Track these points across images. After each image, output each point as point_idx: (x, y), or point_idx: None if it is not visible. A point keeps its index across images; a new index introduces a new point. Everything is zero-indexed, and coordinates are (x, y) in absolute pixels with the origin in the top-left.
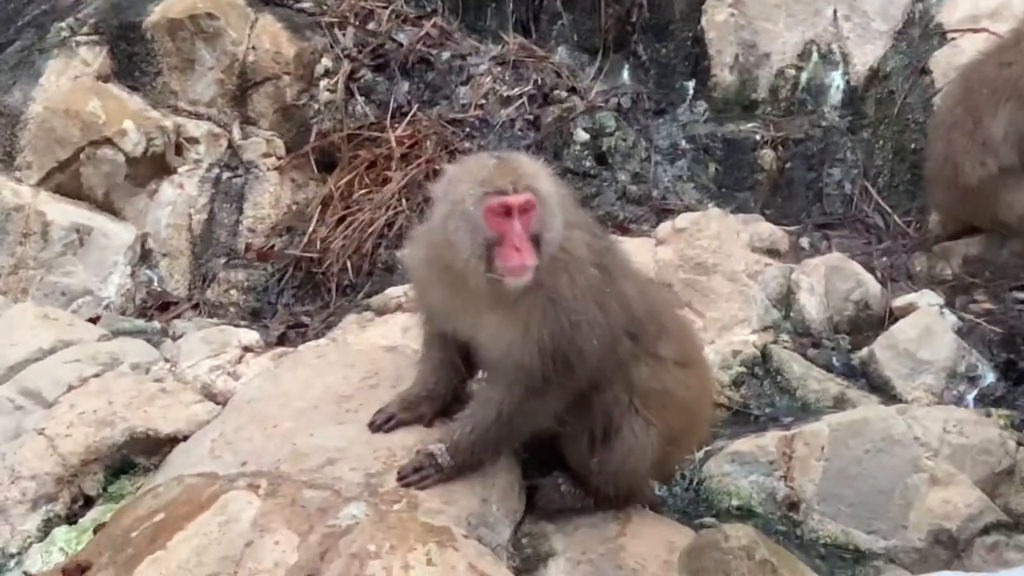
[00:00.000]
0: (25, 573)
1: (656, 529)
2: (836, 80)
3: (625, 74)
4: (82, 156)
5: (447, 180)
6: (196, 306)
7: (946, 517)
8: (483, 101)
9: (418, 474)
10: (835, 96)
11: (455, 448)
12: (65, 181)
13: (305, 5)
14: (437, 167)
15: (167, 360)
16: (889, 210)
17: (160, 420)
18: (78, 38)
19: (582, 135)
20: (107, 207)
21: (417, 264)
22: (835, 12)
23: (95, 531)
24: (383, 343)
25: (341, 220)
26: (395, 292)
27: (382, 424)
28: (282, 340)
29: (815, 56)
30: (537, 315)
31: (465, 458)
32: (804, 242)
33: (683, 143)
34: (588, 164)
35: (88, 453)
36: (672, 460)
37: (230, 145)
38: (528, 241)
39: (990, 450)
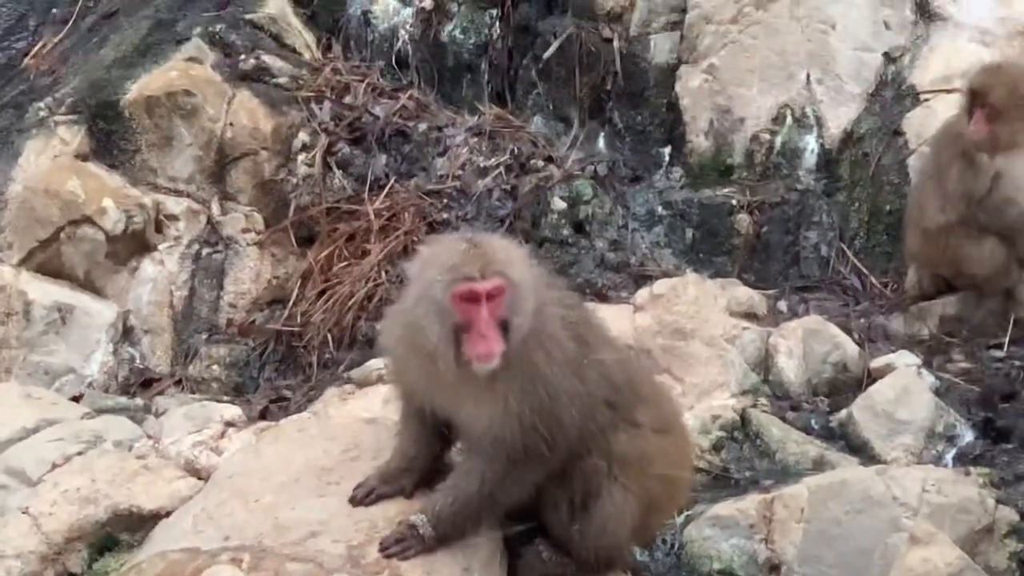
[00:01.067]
0: None
1: None
2: (811, 143)
3: (601, 142)
4: (63, 235)
5: (419, 262)
6: (179, 382)
7: None
8: (460, 172)
9: (400, 545)
10: (810, 159)
11: (437, 519)
12: (46, 260)
13: (281, 80)
14: (416, 238)
15: (150, 437)
16: (866, 272)
17: (143, 497)
18: (56, 118)
19: (559, 203)
20: (89, 285)
21: (393, 343)
22: (808, 75)
23: None
24: (364, 415)
25: (321, 293)
26: (376, 364)
27: (363, 498)
28: (264, 414)
29: (789, 120)
30: (516, 392)
31: (447, 529)
32: (782, 305)
33: (660, 209)
34: (566, 232)
35: (72, 531)
36: (652, 525)
37: (209, 221)
38: (496, 327)
39: (969, 508)
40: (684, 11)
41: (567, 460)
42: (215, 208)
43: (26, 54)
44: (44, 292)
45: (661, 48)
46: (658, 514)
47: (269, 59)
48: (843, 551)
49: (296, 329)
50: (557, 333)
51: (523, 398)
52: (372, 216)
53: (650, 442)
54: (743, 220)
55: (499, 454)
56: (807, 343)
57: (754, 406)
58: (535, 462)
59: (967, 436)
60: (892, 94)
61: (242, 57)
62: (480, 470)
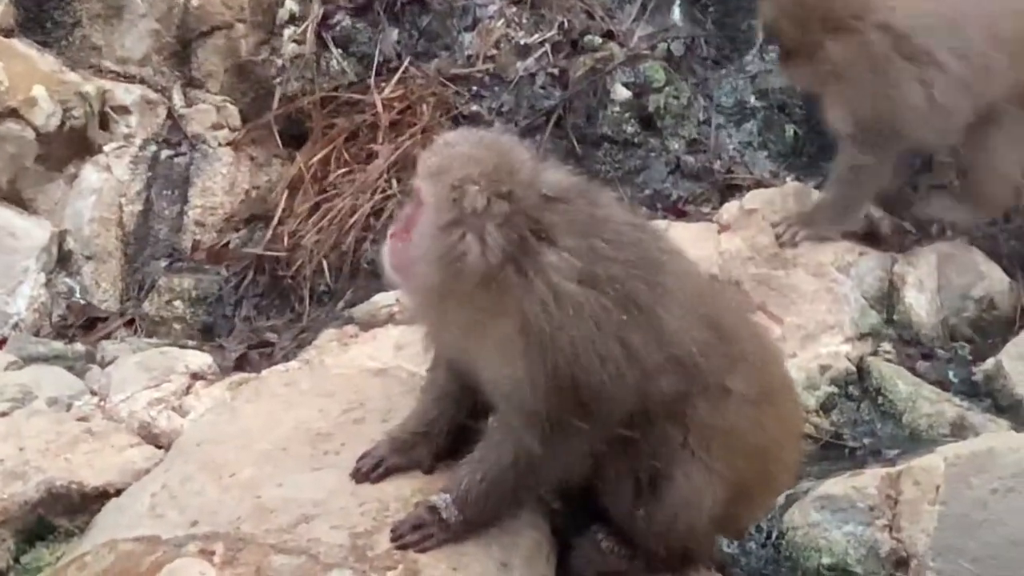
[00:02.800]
0: None
1: None
2: None
3: (676, 13)
4: None
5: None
6: (131, 323)
7: None
8: (494, 51)
9: (418, 532)
10: None
11: (463, 500)
12: None
13: None
14: (436, 137)
15: (94, 393)
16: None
17: (86, 470)
18: None
19: (622, 92)
20: (13, 198)
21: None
22: None
23: None
24: (370, 365)
25: (315, 208)
26: (384, 300)
27: (370, 471)
28: (241, 364)
29: None
30: (519, 349)
31: (476, 512)
32: (910, 224)
33: (752, 100)
34: (630, 129)
35: None
36: (743, 515)
37: (170, 115)
38: (408, 235)
39: None
40: None
41: (631, 427)
42: (177, 98)
43: None
44: None
45: None
46: (750, 501)
47: None
48: (991, 541)
49: (282, 254)
50: (563, 280)
51: (529, 360)
52: (380, 108)
53: (743, 413)
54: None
55: (533, 420)
56: (943, 272)
57: (875, 353)
58: (579, 433)
59: None
60: None
61: None
62: (514, 439)
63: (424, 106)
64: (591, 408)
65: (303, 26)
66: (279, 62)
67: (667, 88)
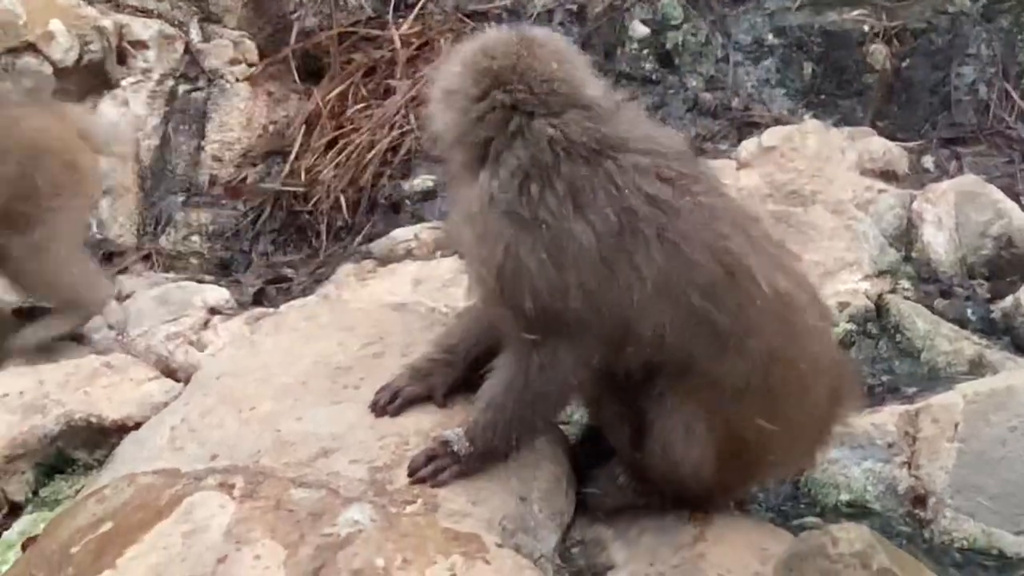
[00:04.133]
0: None
1: (744, 533)
2: None
3: None
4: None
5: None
6: (147, 257)
7: None
8: None
9: (432, 464)
10: None
11: (472, 431)
12: None
13: None
14: None
15: (111, 327)
16: None
17: (105, 403)
18: None
19: (640, 29)
20: None
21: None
22: None
23: (24, 547)
24: (389, 300)
25: (332, 144)
26: (403, 235)
27: (387, 403)
28: (259, 299)
29: None
30: (472, 247)
31: (485, 443)
32: (928, 162)
33: (770, 37)
34: (648, 66)
35: (13, 448)
36: (753, 474)
37: (187, 50)
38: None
39: None
40: None
41: (617, 370)
42: (195, 33)
43: None
44: None
45: None
46: (759, 459)
47: None
48: (1009, 479)
49: (300, 189)
50: (522, 174)
51: (479, 254)
52: (398, 44)
53: (742, 372)
54: (878, 52)
55: (515, 338)
56: (961, 210)
57: (893, 291)
58: (563, 355)
59: None
60: None
61: None
62: (511, 366)
63: (442, 42)
64: (561, 330)
65: None
66: None
67: (685, 25)
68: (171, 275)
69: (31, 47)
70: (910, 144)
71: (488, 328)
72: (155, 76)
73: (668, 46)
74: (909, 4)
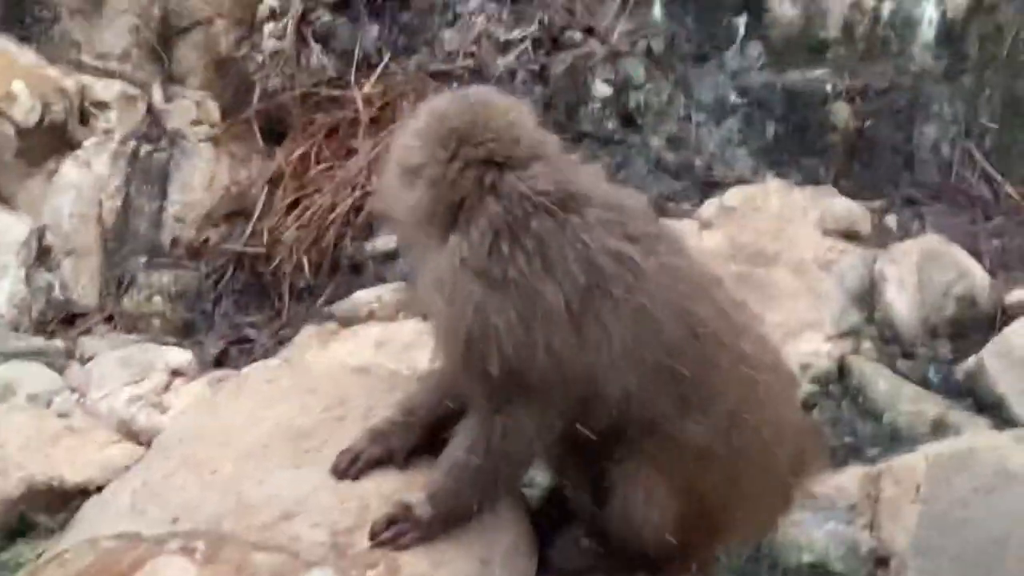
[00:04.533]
0: None
1: None
2: (928, 12)
3: (657, 9)
4: None
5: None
6: (110, 319)
7: None
8: (474, 48)
9: (393, 528)
10: (927, 33)
11: (434, 496)
12: None
13: None
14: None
15: (74, 390)
16: (999, 178)
17: (66, 467)
18: None
19: (603, 89)
20: None
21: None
22: None
23: None
24: (351, 362)
25: (294, 205)
26: (365, 297)
27: (348, 466)
28: (221, 361)
29: None
30: (439, 311)
31: (447, 508)
32: (891, 221)
33: (733, 97)
34: (611, 126)
35: None
36: (717, 539)
37: (150, 110)
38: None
39: None
40: None
41: (581, 432)
42: (157, 93)
43: None
44: None
45: None
46: (723, 525)
47: None
48: (972, 540)
49: (262, 251)
50: (490, 238)
51: (447, 317)
52: (360, 105)
53: (704, 435)
54: (841, 111)
55: (479, 402)
56: (924, 270)
57: (856, 352)
58: (524, 420)
59: None
60: None
61: None
62: (474, 429)
63: (404, 102)
64: (525, 392)
65: (283, 21)
66: (259, 58)
67: (647, 85)
68: (133, 336)
69: None
70: (873, 203)
71: (451, 391)
72: (117, 136)
73: (630, 106)
74: (872, 63)
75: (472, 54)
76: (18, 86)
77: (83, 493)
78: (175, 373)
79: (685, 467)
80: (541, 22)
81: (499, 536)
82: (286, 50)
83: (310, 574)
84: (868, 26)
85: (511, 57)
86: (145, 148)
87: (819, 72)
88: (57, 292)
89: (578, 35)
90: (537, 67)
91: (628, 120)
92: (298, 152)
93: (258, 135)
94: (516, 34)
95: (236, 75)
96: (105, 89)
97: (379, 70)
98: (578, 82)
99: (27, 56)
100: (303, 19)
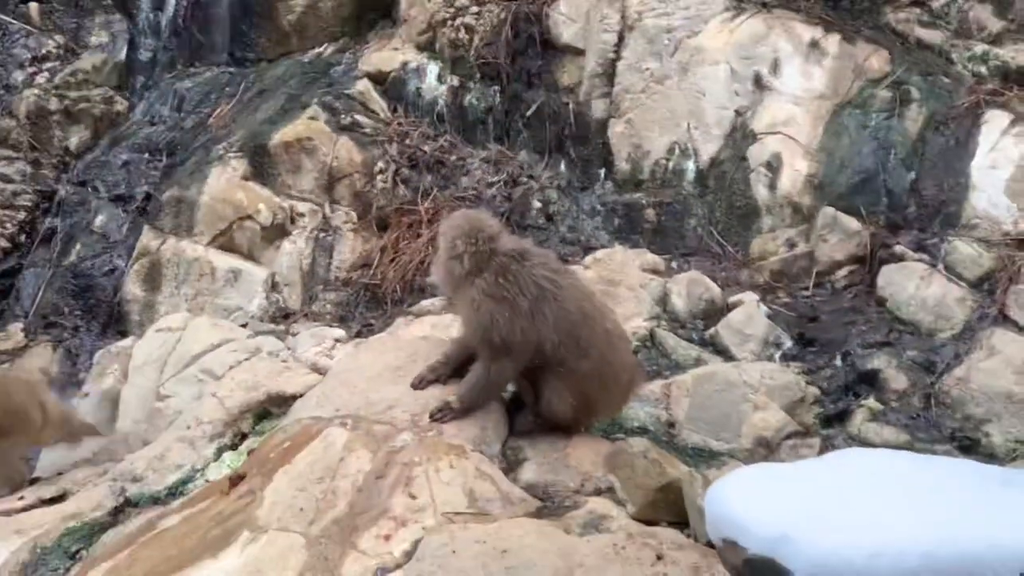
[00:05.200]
0: (206, 480)
1: (589, 443)
2: (690, 166)
3: (562, 166)
4: (234, 226)
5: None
6: (306, 315)
7: (764, 429)
8: (476, 186)
9: (441, 413)
10: (690, 175)
11: (461, 397)
12: (224, 241)
13: (367, 130)
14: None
15: (289, 349)
16: (725, 244)
17: (286, 385)
18: (230, 154)
19: (536, 204)
20: (250, 257)
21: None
22: (688, 124)
23: (248, 454)
24: (420, 334)
25: (392, 260)
26: (427, 303)
27: (418, 384)
28: (359, 335)
29: (677, 152)
30: (470, 315)
31: (468, 403)
32: (674, 265)
33: (599, 207)
34: (541, 222)
35: (243, 407)
36: (597, 413)
37: (324, 217)
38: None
39: (790, 387)
40: (612, 85)
41: (533, 367)
42: (327, 209)
43: (210, 116)
44: (223, 261)
45: (598, 108)
46: (596, 409)
47: (359, 117)
48: (714, 414)
49: (377, 282)
50: (488, 278)
51: (471, 321)
52: (423, 213)
53: (594, 365)
54: (650, 213)
55: (486, 359)
56: (689, 288)
57: (658, 327)
58: (506, 364)
59: (788, 343)
60: (740, 135)
61: (343, 116)
62: (481, 367)
63: (444, 212)
64: (509, 352)
65: (386, 174)
66: (375, 191)
67: (558, 201)
68: (318, 324)
69: (249, 217)
70: (666, 256)
71: (468, 350)
72: (308, 229)
73: (551, 211)
74: (664, 189)
75: (475, 189)
76: (261, 206)
77: (293, 398)
78: (336, 340)
79: (578, 381)
80: (508, 173)
81: (490, 416)
82: (388, 187)
83: (400, 435)
84: (662, 173)
85: (493, 190)
86: (322, 235)
87: (639, 195)
88: (281, 303)
89: (525, 179)
90: (507, 194)
91: (550, 219)
92: (394, 236)
93: (375, 228)
94: (496, 179)
95: (365, 199)
96: (302, 207)
97: (431, 197)
98: (525, 202)
99: (265, 192)
100: (396, 173)
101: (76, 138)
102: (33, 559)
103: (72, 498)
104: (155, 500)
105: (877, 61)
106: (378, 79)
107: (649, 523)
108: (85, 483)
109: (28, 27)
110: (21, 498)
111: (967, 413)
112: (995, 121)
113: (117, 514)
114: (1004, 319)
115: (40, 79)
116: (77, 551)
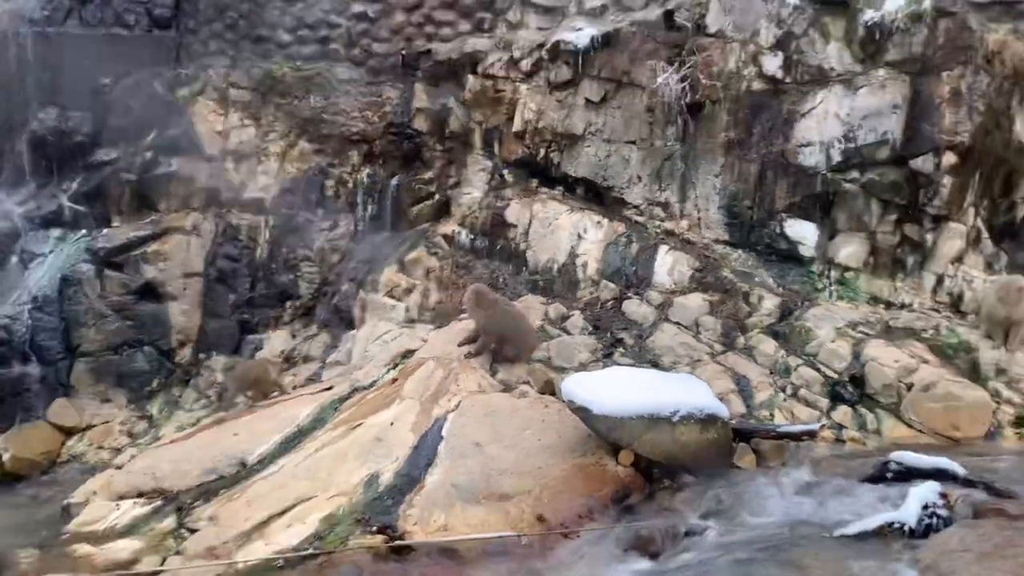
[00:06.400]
0: (384, 380)
1: (521, 366)
2: (555, 265)
3: (511, 267)
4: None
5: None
6: (421, 320)
7: (582, 359)
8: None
9: (468, 355)
10: (555, 269)
11: (475, 350)
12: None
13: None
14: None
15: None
16: (569, 294)
17: (411, 345)
18: None
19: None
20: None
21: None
22: (555, 249)
23: (398, 370)
24: (461, 328)
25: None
26: (464, 317)
27: (459, 344)
28: (439, 327)
29: (554, 260)
30: (477, 321)
31: (477, 351)
32: (554, 302)
33: (524, 282)
34: (500, 283)
35: (396, 353)
36: (521, 357)
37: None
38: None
39: (592, 344)
40: (528, 236)
41: (498, 339)
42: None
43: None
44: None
45: (523, 245)
46: (521, 355)
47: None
48: (564, 355)
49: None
50: (482, 311)
51: (479, 323)
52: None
53: (519, 338)
54: (546, 282)
55: (482, 334)
56: (558, 309)
57: (545, 325)
58: (490, 337)
59: (589, 329)
60: (573, 253)
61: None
62: (481, 339)
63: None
64: (489, 334)
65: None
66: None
67: (507, 280)
68: (423, 322)
69: None
70: (551, 299)
71: (476, 332)
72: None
73: (498, 285)
74: (572, 288)
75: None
76: None
77: (413, 351)
78: (431, 330)
79: (515, 343)
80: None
81: (486, 357)
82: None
83: (453, 364)
84: (554, 267)
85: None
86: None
87: (537, 276)
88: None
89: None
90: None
91: (505, 284)
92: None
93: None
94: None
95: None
96: None
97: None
98: (493, 284)
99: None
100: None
101: None
102: (320, 414)
103: (335, 387)
104: (364, 388)
105: (620, 227)
106: None
107: (543, 394)
108: (340, 382)
109: None
110: (325, 389)
111: (655, 354)
112: (662, 249)
113: (351, 394)
114: (667, 320)
115: None
116: (336, 408)
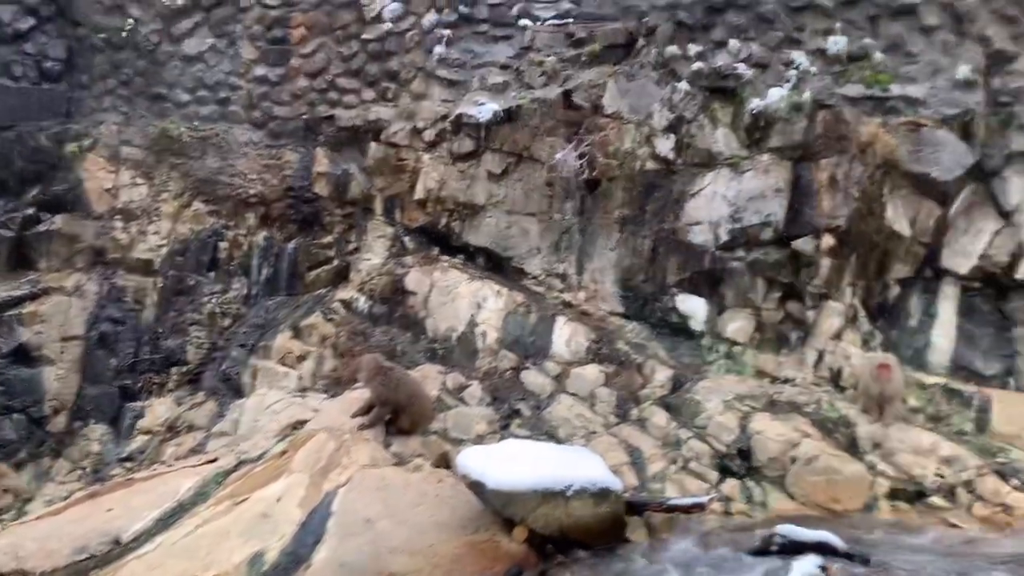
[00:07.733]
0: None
1: (417, 439)
2: (455, 335)
3: (409, 335)
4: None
5: None
6: (313, 388)
7: (479, 431)
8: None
9: (362, 426)
10: (454, 339)
11: (369, 420)
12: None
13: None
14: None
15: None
16: (468, 364)
17: (302, 415)
18: None
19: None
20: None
21: None
22: (457, 319)
23: (288, 442)
24: (356, 396)
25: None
26: (359, 386)
27: (353, 415)
28: (333, 395)
29: (453, 329)
30: (373, 391)
31: (371, 423)
32: (454, 371)
33: (422, 351)
34: (396, 351)
35: (287, 423)
36: (417, 429)
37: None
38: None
39: (487, 415)
40: (428, 305)
41: (393, 408)
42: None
43: None
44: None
45: (424, 314)
46: (418, 426)
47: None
48: (461, 425)
49: (339, 375)
50: (380, 379)
51: (374, 392)
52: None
53: (416, 408)
54: (444, 350)
55: (378, 404)
56: (456, 379)
57: (446, 395)
58: (386, 408)
59: (487, 399)
60: (472, 322)
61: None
62: (376, 409)
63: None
64: (386, 404)
65: None
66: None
67: (407, 347)
68: (316, 391)
69: None
70: (454, 370)
71: (372, 402)
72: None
73: (396, 353)
74: (470, 357)
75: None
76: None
77: (304, 421)
78: (324, 399)
79: (412, 414)
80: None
81: (379, 428)
82: None
83: (346, 435)
84: (462, 343)
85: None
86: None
87: (435, 344)
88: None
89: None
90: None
91: (403, 354)
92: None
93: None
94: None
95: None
96: None
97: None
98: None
99: None
100: None
101: None
102: (203, 487)
103: (221, 459)
104: (252, 460)
105: (519, 297)
106: None
107: (437, 467)
108: (226, 453)
109: None
110: (209, 461)
111: (552, 425)
112: (560, 320)
113: (237, 466)
114: (564, 391)
115: None
116: (220, 482)
